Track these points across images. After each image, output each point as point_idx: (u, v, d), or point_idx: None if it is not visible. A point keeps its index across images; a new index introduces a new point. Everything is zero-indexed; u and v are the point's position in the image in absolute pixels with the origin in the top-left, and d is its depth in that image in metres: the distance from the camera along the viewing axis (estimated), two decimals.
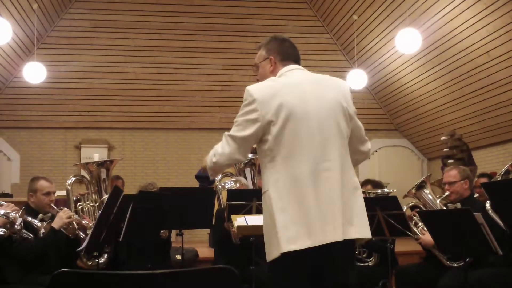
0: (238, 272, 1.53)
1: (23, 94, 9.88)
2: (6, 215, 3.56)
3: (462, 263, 3.69)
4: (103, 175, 4.92)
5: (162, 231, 4.78)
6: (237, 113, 2.57)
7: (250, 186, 5.20)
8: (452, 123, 9.21)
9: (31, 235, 3.86)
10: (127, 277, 1.50)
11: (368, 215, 2.61)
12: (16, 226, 3.59)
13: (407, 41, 7.53)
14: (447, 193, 4.45)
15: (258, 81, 2.71)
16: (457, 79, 8.42)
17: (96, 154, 9.75)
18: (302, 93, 2.52)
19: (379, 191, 5.28)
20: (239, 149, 2.54)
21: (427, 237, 4.18)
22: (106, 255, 4.53)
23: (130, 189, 6.31)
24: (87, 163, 5.13)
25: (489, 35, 7.24)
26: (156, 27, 9.80)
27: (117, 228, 4.03)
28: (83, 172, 5.22)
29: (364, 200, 2.63)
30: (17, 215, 3.60)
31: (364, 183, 5.44)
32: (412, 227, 4.32)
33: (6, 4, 7.83)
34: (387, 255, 4.34)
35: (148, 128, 10.59)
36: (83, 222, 4.27)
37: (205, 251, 6.92)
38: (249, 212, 4.19)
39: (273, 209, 2.45)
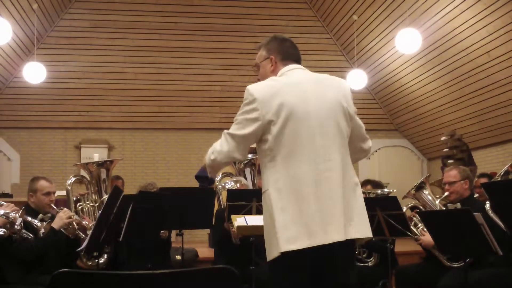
0: (238, 272, 1.53)
1: (23, 94, 9.88)
2: (6, 215, 3.56)
3: (462, 264, 3.69)
4: (103, 175, 4.92)
5: (162, 231, 4.78)
6: (237, 113, 2.57)
7: (250, 186, 5.21)
8: (452, 123, 9.21)
9: (31, 235, 3.86)
10: (127, 277, 1.49)
11: (368, 215, 2.61)
12: (16, 226, 3.59)
13: (407, 41, 7.53)
14: (446, 193, 4.45)
15: (259, 80, 2.71)
16: (457, 79, 8.42)
17: (96, 154, 9.74)
18: (303, 93, 2.52)
19: (379, 191, 5.27)
20: (237, 147, 2.54)
21: (427, 238, 4.18)
22: (106, 255, 4.53)
23: (130, 189, 6.31)
24: (87, 163, 5.13)
25: (489, 35, 7.24)
26: (156, 27, 9.80)
27: (117, 228, 4.03)
28: (83, 172, 5.23)
29: (364, 200, 2.63)
30: (17, 215, 3.60)
31: (364, 183, 5.44)
32: (412, 228, 4.31)
33: (6, 4, 7.83)
34: (387, 255, 4.34)
35: (148, 128, 10.59)
36: (83, 222, 4.27)
37: (205, 251, 6.92)
38: (249, 212, 4.19)
39: (273, 209, 2.45)
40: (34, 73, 8.57)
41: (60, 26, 9.70)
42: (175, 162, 10.64)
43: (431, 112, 9.65)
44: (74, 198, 4.80)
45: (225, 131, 2.58)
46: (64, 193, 5.32)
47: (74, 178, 4.91)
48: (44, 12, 9.01)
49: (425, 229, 4.19)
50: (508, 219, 3.29)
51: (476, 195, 4.73)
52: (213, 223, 4.95)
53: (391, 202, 4.19)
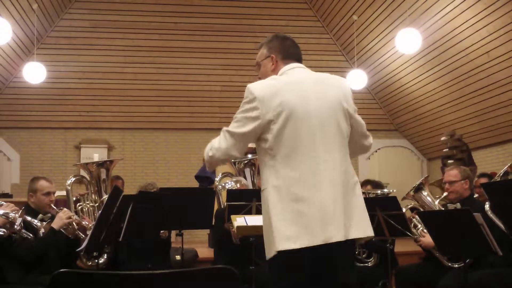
0: (238, 272, 1.53)
1: (23, 94, 9.88)
2: (5, 215, 3.56)
3: (462, 264, 3.69)
4: (103, 175, 4.92)
5: (161, 231, 4.78)
6: (237, 111, 2.57)
7: (250, 186, 5.21)
8: (452, 123, 9.21)
9: (31, 235, 3.86)
10: (127, 277, 1.49)
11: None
12: (15, 226, 3.59)
13: (407, 41, 7.53)
14: (445, 194, 4.45)
15: (259, 79, 2.70)
16: (457, 79, 8.42)
17: (96, 154, 9.74)
18: (303, 92, 2.52)
19: (379, 191, 5.27)
20: (235, 145, 2.54)
21: (427, 239, 4.17)
22: (106, 255, 4.53)
23: (130, 189, 6.31)
24: (87, 163, 5.13)
25: (489, 35, 7.24)
26: (156, 27, 9.80)
27: (117, 228, 4.03)
28: (83, 172, 5.23)
29: (364, 200, 2.63)
30: (17, 215, 3.60)
31: (364, 184, 5.44)
32: (412, 229, 4.31)
33: (6, 4, 7.83)
34: (387, 255, 4.34)
35: (148, 128, 10.59)
36: (83, 222, 4.27)
37: (205, 251, 6.92)
38: (249, 212, 4.19)
39: (271, 208, 2.45)
40: (34, 73, 8.57)
41: (60, 26, 9.70)
42: (175, 162, 10.64)
43: (431, 112, 9.65)
44: (74, 198, 4.81)
45: (224, 128, 2.58)
46: (64, 193, 5.33)
47: (74, 178, 4.92)
48: (44, 12, 9.01)
49: (425, 230, 4.19)
50: (507, 219, 3.29)
51: (476, 195, 4.73)
52: (213, 223, 4.95)
53: (391, 202, 4.19)
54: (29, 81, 8.76)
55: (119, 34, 9.74)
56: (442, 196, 4.55)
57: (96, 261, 4.35)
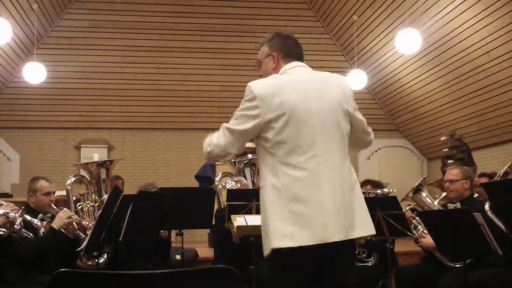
0: (238, 272, 1.53)
1: (23, 94, 9.87)
2: (5, 214, 3.56)
3: (463, 264, 3.69)
4: (103, 175, 4.92)
5: (161, 231, 4.79)
6: (237, 108, 2.57)
7: (250, 186, 5.21)
8: (452, 123, 9.21)
9: (31, 234, 3.86)
10: (127, 277, 1.49)
11: None
12: (15, 226, 3.59)
13: (407, 42, 7.53)
14: (444, 194, 4.45)
15: (260, 77, 2.70)
16: (457, 80, 8.42)
17: (96, 154, 9.75)
18: (304, 92, 2.52)
19: (379, 191, 5.27)
20: (234, 142, 2.55)
21: (428, 240, 4.17)
22: (106, 255, 4.53)
23: (130, 189, 6.31)
24: (87, 163, 5.14)
25: (489, 35, 7.24)
26: (156, 27, 9.80)
27: (117, 228, 4.03)
28: (83, 172, 5.23)
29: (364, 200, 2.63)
30: (17, 214, 3.60)
31: (364, 183, 5.44)
32: (412, 230, 4.31)
33: (6, 4, 7.83)
34: (387, 255, 4.34)
35: (147, 128, 10.59)
36: (83, 222, 4.27)
37: (205, 251, 6.92)
38: (249, 212, 4.19)
39: (270, 206, 2.46)
40: (34, 73, 8.56)
41: (60, 26, 9.70)
42: (175, 162, 10.64)
43: (431, 112, 9.65)
44: (74, 198, 4.81)
45: (224, 124, 2.59)
46: (64, 193, 5.33)
47: (74, 178, 4.92)
48: (44, 12, 9.01)
49: (425, 231, 4.19)
50: (507, 219, 3.29)
51: (475, 195, 4.73)
52: (213, 223, 4.95)
53: (391, 202, 4.19)
54: (29, 81, 8.76)
55: (119, 34, 9.74)
56: (441, 196, 4.55)
57: (96, 261, 4.35)
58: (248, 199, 4.28)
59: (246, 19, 9.89)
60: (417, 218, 4.36)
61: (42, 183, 4.26)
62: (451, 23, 7.64)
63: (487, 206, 3.82)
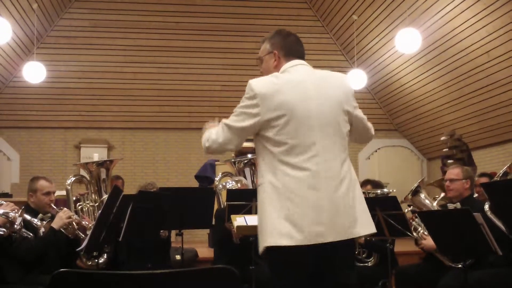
0: (238, 272, 1.53)
1: (22, 94, 9.88)
2: (5, 214, 3.56)
3: (463, 264, 3.69)
4: (103, 175, 4.92)
5: (161, 231, 4.78)
6: (237, 105, 2.58)
7: (250, 186, 5.21)
8: (452, 123, 9.21)
9: (31, 234, 3.86)
10: (127, 277, 1.49)
11: None
12: (15, 226, 3.59)
13: (407, 41, 7.53)
14: (442, 195, 4.45)
15: (261, 74, 2.71)
16: (457, 79, 8.42)
17: (96, 154, 9.71)
18: (304, 92, 2.52)
19: (379, 191, 5.27)
20: (232, 139, 2.56)
21: (428, 242, 4.17)
22: (106, 255, 4.53)
23: (130, 189, 6.31)
24: (87, 163, 5.14)
25: (489, 35, 7.24)
26: (156, 27, 9.80)
27: (117, 228, 4.03)
28: (83, 172, 5.23)
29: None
30: (17, 214, 3.60)
31: (364, 183, 5.44)
32: (413, 232, 4.30)
33: (6, 4, 7.83)
34: (387, 255, 4.34)
35: (148, 128, 10.59)
36: (83, 222, 4.27)
37: (205, 251, 6.92)
38: (249, 212, 4.19)
39: (267, 204, 2.46)
40: (34, 72, 8.56)
41: (60, 26, 9.70)
42: (175, 162, 10.65)
43: (431, 112, 9.65)
44: (74, 198, 4.81)
45: (224, 120, 2.59)
46: (64, 193, 5.32)
47: (74, 178, 4.92)
48: (44, 12, 9.01)
49: (426, 233, 4.19)
50: (507, 219, 3.29)
51: (475, 195, 4.73)
52: (213, 223, 4.95)
53: (391, 202, 4.19)
54: (29, 81, 8.76)
55: (119, 33, 9.74)
56: (440, 197, 4.55)
57: (96, 261, 4.35)
58: (248, 199, 4.28)
59: (247, 19, 9.89)
60: (416, 220, 4.36)
61: (42, 183, 4.25)
62: (451, 23, 7.64)
63: (486, 207, 3.82)
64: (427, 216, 3.96)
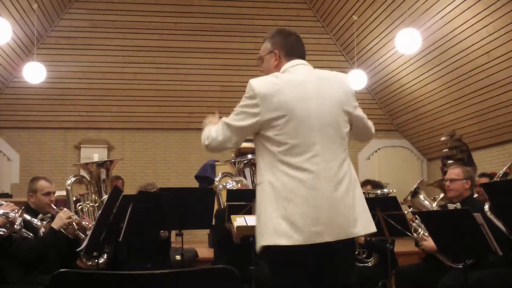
0: (238, 272, 1.53)
1: (22, 94, 9.88)
2: (5, 214, 3.56)
3: (463, 264, 3.69)
4: (103, 175, 4.93)
5: (161, 231, 4.78)
6: (238, 104, 2.58)
7: (250, 187, 5.21)
8: (452, 123, 9.21)
9: (31, 234, 3.86)
10: (127, 277, 1.49)
11: None
12: (16, 226, 3.59)
13: (407, 42, 7.52)
14: (442, 195, 4.45)
15: (262, 72, 2.71)
16: (457, 80, 8.42)
17: (96, 154, 9.73)
18: (305, 91, 2.52)
19: (379, 191, 5.27)
20: (232, 137, 2.56)
21: (429, 243, 4.16)
22: (106, 255, 4.53)
23: (130, 189, 6.31)
24: (87, 163, 5.14)
25: (489, 35, 7.24)
26: (156, 27, 9.80)
27: (117, 228, 4.03)
28: (83, 172, 5.23)
29: None
30: (17, 214, 3.60)
31: (364, 184, 5.44)
32: (413, 233, 4.30)
33: (6, 4, 7.83)
34: (387, 255, 4.34)
35: (147, 128, 10.59)
36: (83, 222, 4.27)
37: (205, 251, 6.92)
38: (249, 212, 4.19)
39: (266, 203, 2.46)
40: (34, 73, 8.56)
41: (60, 26, 9.70)
42: (175, 162, 10.65)
43: (431, 112, 9.65)
44: (74, 198, 4.81)
45: (224, 119, 2.60)
46: (64, 193, 5.32)
47: (74, 178, 4.92)
48: (44, 12, 9.01)
49: (426, 234, 4.19)
50: (507, 220, 3.29)
51: (475, 195, 4.73)
52: (213, 223, 4.95)
53: (391, 202, 4.19)
54: (29, 81, 8.76)
55: (119, 34, 9.74)
56: (440, 197, 4.54)
57: (96, 261, 4.35)
58: (248, 199, 4.28)
59: (246, 19, 9.89)
60: (416, 221, 4.36)
61: (42, 183, 4.25)
62: (451, 23, 7.64)
63: (486, 207, 3.82)
64: (427, 216, 3.96)
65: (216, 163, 7.72)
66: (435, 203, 4.51)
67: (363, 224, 2.53)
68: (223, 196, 5.06)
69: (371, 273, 4.75)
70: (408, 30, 7.50)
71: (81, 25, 9.64)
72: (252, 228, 3.63)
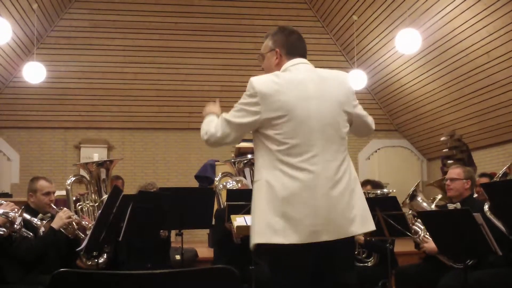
0: (238, 272, 1.53)
1: (22, 94, 9.88)
2: (5, 214, 3.56)
3: (464, 264, 3.69)
4: (103, 175, 4.93)
5: (161, 231, 4.78)
6: (238, 101, 2.58)
7: (250, 187, 5.21)
8: (452, 123, 9.22)
9: (31, 233, 3.86)
10: (127, 277, 1.49)
11: None
12: (15, 225, 3.59)
13: (407, 42, 7.52)
14: (440, 196, 4.45)
15: (262, 70, 2.71)
16: (457, 80, 8.42)
17: (96, 154, 9.71)
18: (305, 91, 2.52)
19: (379, 191, 5.27)
20: (231, 134, 2.56)
21: (430, 245, 4.16)
22: (105, 255, 4.54)
23: (130, 189, 6.31)
24: (86, 163, 5.14)
25: (489, 35, 7.24)
26: (156, 27, 9.81)
27: (117, 228, 4.03)
28: (83, 172, 5.23)
29: None
30: (17, 214, 3.60)
31: (363, 184, 5.44)
32: (414, 235, 4.30)
33: (6, 4, 7.83)
34: (387, 255, 4.34)
35: (147, 128, 10.59)
36: (83, 222, 4.27)
37: (205, 251, 6.92)
38: (249, 212, 4.16)
39: (265, 202, 2.45)
40: (34, 73, 8.56)
41: (60, 26, 9.70)
42: (175, 162, 10.65)
43: (431, 112, 9.65)
44: (74, 198, 4.81)
45: (224, 115, 2.59)
46: (63, 193, 5.33)
47: (74, 178, 4.92)
48: (44, 12, 9.01)
49: (427, 235, 4.19)
50: (507, 220, 3.29)
51: (475, 195, 4.73)
52: (213, 223, 4.95)
53: (391, 202, 4.19)
54: (29, 81, 8.76)
55: (119, 34, 9.74)
56: (438, 198, 4.55)
57: (96, 260, 4.35)
58: (248, 199, 4.23)
59: (246, 19, 9.90)
60: (416, 224, 4.35)
61: (42, 183, 4.25)
62: (451, 23, 7.64)
63: (486, 207, 3.82)
64: (427, 217, 3.96)
65: (216, 163, 7.72)
66: (434, 203, 4.51)
67: (362, 223, 2.53)
68: (223, 196, 5.06)
69: (371, 273, 4.75)
70: (408, 30, 7.50)
71: (81, 25, 9.65)
72: None
